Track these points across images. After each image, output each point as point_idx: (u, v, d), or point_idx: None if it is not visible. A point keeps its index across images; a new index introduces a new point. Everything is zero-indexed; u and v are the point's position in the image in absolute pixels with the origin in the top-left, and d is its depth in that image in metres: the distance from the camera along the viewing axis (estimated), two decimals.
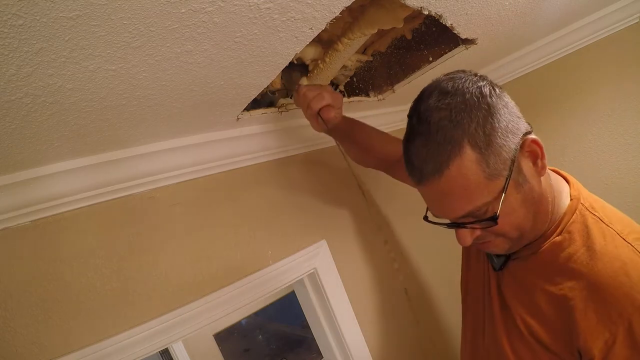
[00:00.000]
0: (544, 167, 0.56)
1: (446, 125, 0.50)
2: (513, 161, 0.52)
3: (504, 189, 0.51)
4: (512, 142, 0.52)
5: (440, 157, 0.51)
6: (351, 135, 0.95)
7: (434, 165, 0.51)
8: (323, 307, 1.05)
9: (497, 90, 0.54)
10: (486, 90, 0.52)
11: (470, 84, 0.53)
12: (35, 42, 0.37)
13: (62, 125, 0.54)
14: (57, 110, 0.50)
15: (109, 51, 0.43)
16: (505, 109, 0.52)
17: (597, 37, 1.18)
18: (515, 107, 0.56)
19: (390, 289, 1.21)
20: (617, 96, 1.17)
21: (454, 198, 0.53)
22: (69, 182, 0.67)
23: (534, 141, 0.54)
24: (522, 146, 0.53)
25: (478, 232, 0.57)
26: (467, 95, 0.51)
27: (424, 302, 1.33)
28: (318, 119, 0.81)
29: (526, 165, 0.54)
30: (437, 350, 1.31)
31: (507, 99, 0.55)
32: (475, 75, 0.56)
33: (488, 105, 0.51)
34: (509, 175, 0.51)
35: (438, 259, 1.41)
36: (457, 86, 0.52)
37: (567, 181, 0.64)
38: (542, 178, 0.57)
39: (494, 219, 0.52)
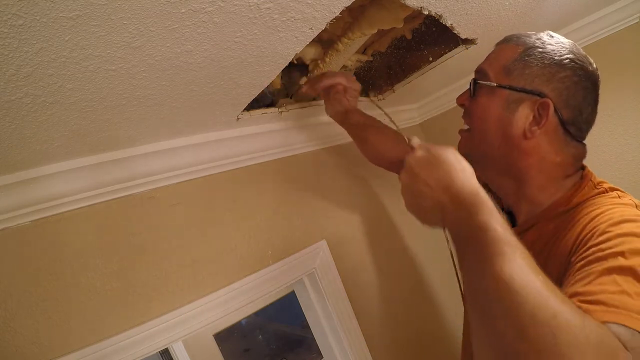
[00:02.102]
0: (532, 133, 0.60)
1: (533, 36, 0.64)
2: (521, 90, 0.60)
3: (498, 85, 0.62)
4: (536, 86, 0.60)
5: (510, 39, 0.66)
6: (366, 130, 0.97)
7: (505, 40, 0.67)
8: (323, 307, 1.05)
9: (579, 72, 0.59)
10: (571, 57, 0.59)
11: (573, 51, 0.61)
12: (35, 42, 0.37)
13: (62, 125, 0.54)
14: (57, 110, 0.50)
15: (109, 51, 0.43)
16: (564, 77, 0.59)
17: (597, 37, 1.18)
18: (577, 97, 0.60)
19: (390, 289, 1.21)
20: (617, 96, 1.17)
21: (486, 59, 0.67)
22: (69, 182, 0.67)
23: (544, 107, 0.59)
24: (538, 99, 0.59)
25: (466, 100, 0.69)
26: (562, 47, 0.61)
27: (425, 302, 1.33)
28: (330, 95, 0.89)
29: (524, 111, 0.60)
30: (439, 349, 1.31)
31: (579, 84, 0.59)
32: (582, 61, 0.61)
33: (560, 60, 0.59)
34: (508, 87, 0.61)
35: (440, 257, 1.41)
36: (565, 42, 0.62)
37: (583, 167, 0.66)
38: (529, 143, 0.61)
39: (476, 87, 0.66)
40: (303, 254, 0.99)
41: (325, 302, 1.03)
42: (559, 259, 0.54)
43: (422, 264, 1.36)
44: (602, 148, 1.20)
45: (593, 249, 0.47)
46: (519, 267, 0.38)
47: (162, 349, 0.76)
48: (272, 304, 3.65)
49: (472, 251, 0.43)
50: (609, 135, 1.19)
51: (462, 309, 0.81)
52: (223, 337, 3.55)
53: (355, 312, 1.07)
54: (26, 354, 0.61)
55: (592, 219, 0.52)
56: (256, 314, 3.81)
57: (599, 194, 0.59)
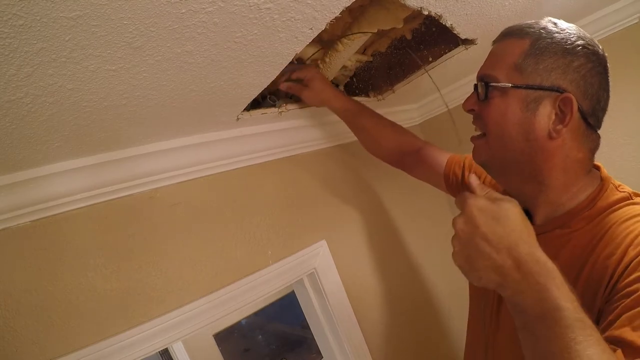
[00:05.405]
0: (557, 133, 0.56)
1: (535, 26, 0.60)
2: (539, 87, 0.56)
3: (513, 86, 0.58)
4: (553, 81, 0.56)
5: (511, 33, 0.62)
6: (360, 117, 0.96)
7: (505, 34, 0.63)
8: (323, 307, 1.05)
9: (592, 58, 0.56)
10: (582, 42, 0.56)
11: (581, 36, 0.57)
12: (35, 42, 0.37)
13: (62, 125, 0.54)
14: (57, 110, 0.50)
15: (109, 51, 0.43)
16: (579, 65, 0.56)
17: (597, 37, 1.18)
18: (594, 84, 0.57)
19: (390, 289, 1.21)
20: (618, 96, 1.16)
21: (491, 58, 0.63)
22: (69, 182, 0.67)
23: (566, 102, 0.55)
24: (558, 95, 0.56)
25: (475, 105, 0.64)
26: (569, 34, 0.58)
27: (426, 302, 1.33)
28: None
29: (546, 109, 0.56)
30: (438, 349, 1.31)
31: (594, 70, 0.56)
32: (592, 45, 0.58)
33: (572, 48, 0.56)
34: (525, 87, 0.57)
35: (442, 258, 1.41)
36: (571, 28, 0.59)
37: (598, 167, 0.64)
38: (554, 144, 0.57)
39: (487, 89, 0.60)
40: (303, 254, 0.99)
41: (325, 302, 1.03)
42: (599, 272, 0.51)
43: (423, 264, 1.36)
44: (602, 148, 1.19)
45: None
46: (594, 353, 0.38)
47: (162, 349, 0.76)
48: (272, 304, 3.65)
49: (543, 331, 0.41)
50: (609, 135, 1.19)
51: (464, 311, 0.81)
52: (223, 337, 3.55)
53: (355, 312, 1.07)
54: (26, 354, 0.61)
55: (636, 237, 0.50)
56: (256, 314, 3.80)
57: (624, 200, 0.57)
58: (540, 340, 0.42)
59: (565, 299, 0.41)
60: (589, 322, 0.41)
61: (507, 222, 0.46)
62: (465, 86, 1.32)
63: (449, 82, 1.34)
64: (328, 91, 0.90)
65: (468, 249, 0.47)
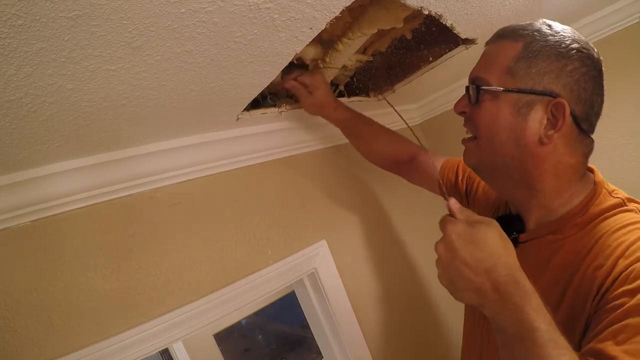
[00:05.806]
0: (549, 139, 0.55)
1: (529, 28, 0.59)
2: (530, 91, 0.56)
3: (505, 89, 0.57)
4: (546, 85, 0.55)
5: (505, 35, 0.61)
6: (356, 126, 0.96)
7: (499, 36, 0.62)
8: (323, 307, 1.05)
9: (587, 62, 0.56)
10: (576, 46, 0.56)
11: (576, 39, 0.57)
12: (35, 42, 0.37)
13: (62, 125, 0.54)
14: (57, 110, 0.50)
15: (108, 51, 0.43)
16: (572, 69, 0.55)
17: (597, 37, 1.17)
18: (587, 89, 0.56)
19: (390, 289, 1.21)
20: (617, 96, 1.17)
21: (483, 60, 0.63)
22: (69, 182, 0.67)
23: (558, 107, 0.54)
24: (551, 99, 0.55)
25: (467, 107, 0.64)
26: (564, 37, 0.56)
27: (424, 302, 1.33)
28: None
29: (537, 114, 0.56)
30: (437, 349, 1.31)
31: (588, 74, 0.55)
32: (587, 48, 0.57)
33: (566, 51, 0.55)
34: (516, 91, 0.56)
35: None
36: (565, 30, 0.58)
37: (592, 170, 0.63)
38: (545, 149, 0.56)
39: (478, 92, 0.60)
40: (303, 254, 0.99)
41: (325, 302, 1.03)
42: (588, 282, 0.51)
43: (423, 263, 1.36)
44: (602, 149, 1.20)
45: (627, 297, 0.45)
46: None
47: (162, 349, 0.76)
48: (272, 304, 3.65)
49: (520, 350, 0.44)
50: (609, 135, 1.19)
51: (462, 312, 0.81)
52: (223, 337, 3.55)
53: (355, 312, 1.07)
54: (26, 354, 0.61)
55: (627, 248, 0.49)
56: (256, 314, 3.80)
57: (617, 206, 0.56)
58: (511, 355, 0.45)
59: (540, 320, 0.43)
60: (563, 342, 0.42)
61: (485, 245, 0.47)
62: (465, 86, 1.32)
63: (449, 82, 1.34)
64: (328, 103, 0.90)
65: (450, 273, 0.50)
